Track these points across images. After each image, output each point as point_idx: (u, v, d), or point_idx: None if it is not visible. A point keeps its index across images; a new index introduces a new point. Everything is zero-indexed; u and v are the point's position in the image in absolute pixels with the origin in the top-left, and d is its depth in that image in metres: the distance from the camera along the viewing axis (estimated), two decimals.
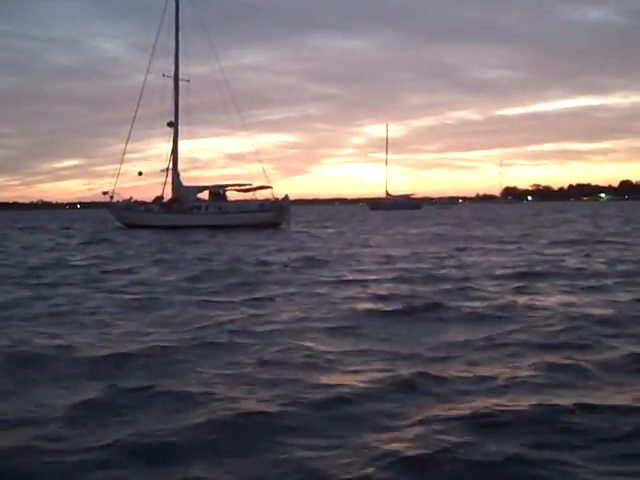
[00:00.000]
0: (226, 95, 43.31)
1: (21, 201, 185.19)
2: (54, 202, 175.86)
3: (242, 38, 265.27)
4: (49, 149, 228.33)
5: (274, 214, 38.67)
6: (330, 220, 56.50)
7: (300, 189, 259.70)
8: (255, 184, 41.00)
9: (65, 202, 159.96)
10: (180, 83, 42.50)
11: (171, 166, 41.92)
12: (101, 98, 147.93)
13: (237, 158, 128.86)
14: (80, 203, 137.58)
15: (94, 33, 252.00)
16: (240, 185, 41.64)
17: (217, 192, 41.45)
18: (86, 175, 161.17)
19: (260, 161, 43.28)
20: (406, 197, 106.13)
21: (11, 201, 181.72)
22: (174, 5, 42.31)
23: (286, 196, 40.14)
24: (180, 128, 42.29)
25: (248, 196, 41.57)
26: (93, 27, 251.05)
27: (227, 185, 41.91)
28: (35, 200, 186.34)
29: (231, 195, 42.24)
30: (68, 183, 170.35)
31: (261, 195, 40.96)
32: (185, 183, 42.29)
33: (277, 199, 39.93)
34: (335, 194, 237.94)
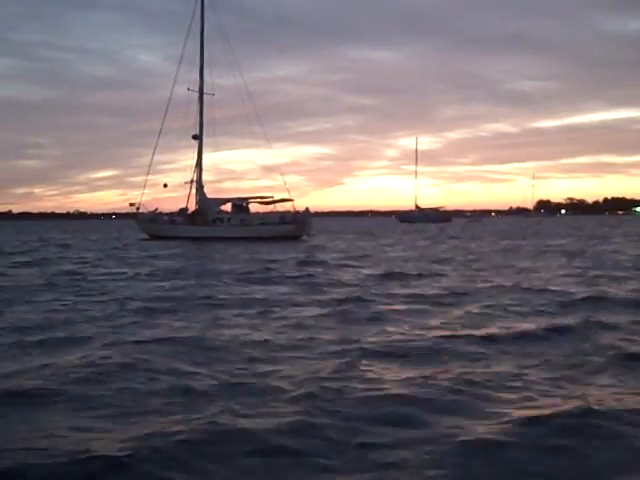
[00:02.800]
0: (249, 108, 43.89)
1: (58, 211, 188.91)
2: (89, 212, 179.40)
3: (278, 50, 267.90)
4: (85, 160, 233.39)
5: (295, 226, 39.28)
6: (356, 233, 56.68)
7: (333, 201, 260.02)
8: (283, 196, 41.58)
9: (100, 212, 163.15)
10: (205, 97, 43.38)
11: (195, 178, 42.72)
12: (136, 109, 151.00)
13: (271, 170, 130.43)
14: (115, 213, 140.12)
15: (130, 44, 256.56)
16: (262, 198, 42.34)
17: (240, 204, 42.21)
18: (121, 185, 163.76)
19: (282, 174, 44.02)
20: (435, 210, 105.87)
21: (49, 211, 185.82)
22: (199, 16, 43.31)
23: (307, 209, 40.83)
24: (206, 140, 43.10)
25: (270, 208, 42.28)
26: (129, 38, 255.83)
27: (249, 198, 42.69)
28: (72, 210, 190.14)
29: (255, 207, 43.07)
30: (104, 193, 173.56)
31: (282, 207, 41.64)
32: (219, 194, 43.35)
33: (298, 212, 40.52)
34: (368, 206, 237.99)
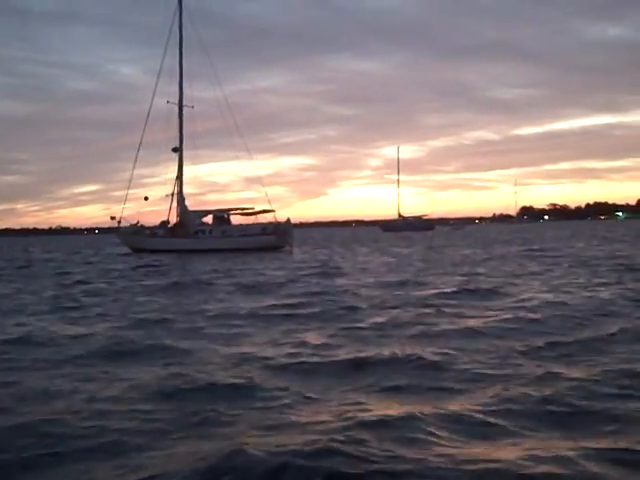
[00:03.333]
0: (229, 120, 44.01)
1: (40, 227, 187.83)
2: (72, 227, 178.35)
3: (259, 61, 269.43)
4: (68, 174, 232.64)
5: (276, 237, 39.30)
6: (336, 243, 56.81)
7: (317, 211, 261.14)
8: (273, 207, 41.78)
9: (84, 227, 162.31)
10: (185, 109, 43.46)
11: (176, 191, 42.71)
12: (119, 122, 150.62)
13: (253, 181, 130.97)
14: (98, 228, 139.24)
15: (112, 58, 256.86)
16: (243, 209, 42.44)
17: (221, 216, 42.22)
18: (105, 200, 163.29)
19: (263, 185, 44.45)
20: (418, 218, 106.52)
21: (31, 227, 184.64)
22: (177, 29, 43.42)
23: (288, 219, 40.85)
24: (187, 153, 43.22)
25: (252, 220, 42.33)
26: (111, 52, 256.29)
27: (230, 209, 42.69)
28: (54, 226, 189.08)
29: (237, 219, 43.14)
30: (87, 208, 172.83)
31: (264, 218, 41.70)
32: (202, 206, 43.46)
33: (279, 222, 40.58)
34: (352, 216, 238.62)
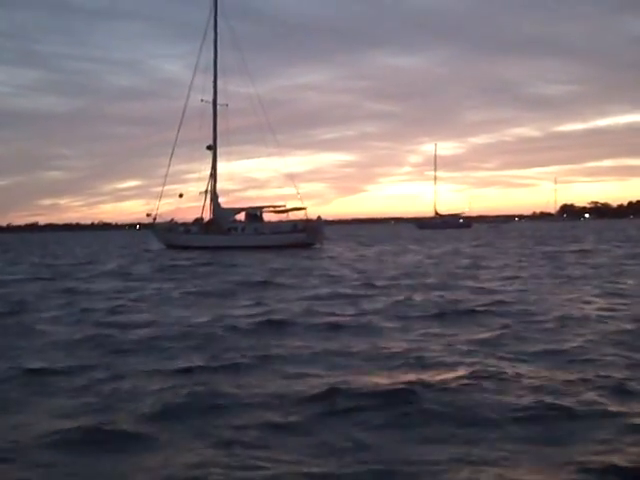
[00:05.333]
0: (262, 117, 44.29)
1: (83, 222, 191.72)
2: (114, 223, 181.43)
3: (298, 57, 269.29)
4: (111, 170, 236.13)
5: (307, 235, 39.73)
6: (372, 240, 56.90)
7: (356, 208, 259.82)
8: (312, 203, 42.47)
9: (125, 223, 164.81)
10: (221, 106, 44.07)
11: (210, 188, 43.36)
12: (161, 118, 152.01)
13: (292, 178, 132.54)
14: (139, 224, 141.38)
15: (155, 54, 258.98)
16: (275, 207, 42.95)
17: (254, 214, 42.75)
18: (146, 195, 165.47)
19: (295, 182, 44.60)
20: (455, 216, 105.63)
21: (74, 222, 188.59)
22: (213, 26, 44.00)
23: (319, 217, 41.31)
24: (226, 149, 43.99)
25: (284, 217, 42.74)
26: (154, 48, 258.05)
27: (263, 207, 43.26)
28: (96, 221, 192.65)
29: (270, 217, 43.62)
30: (128, 204, 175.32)
31: (295, 216, 42.11)
32: (242, 203, 44.34)
33: (310, 220, 40.94)
34: (391, 213, 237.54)
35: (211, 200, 43.26)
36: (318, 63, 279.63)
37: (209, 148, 43.78)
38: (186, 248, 39.57)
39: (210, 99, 43.94)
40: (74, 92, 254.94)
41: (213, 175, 43.67)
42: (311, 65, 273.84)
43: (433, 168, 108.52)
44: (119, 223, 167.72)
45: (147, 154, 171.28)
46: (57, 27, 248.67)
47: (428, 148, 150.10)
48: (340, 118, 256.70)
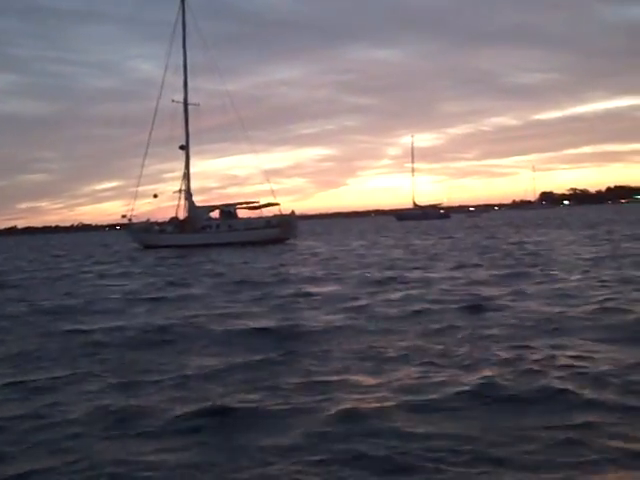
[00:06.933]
0: (232, 115, 44.76)
1: (62, 224, 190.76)
2: (93, 224, 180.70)
3: (276, 53, 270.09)
4: (89, 172, 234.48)
5: (281, 230, 40.21)
6: (345, 233, 57.58)
7: (338, 201, 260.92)
8: (290, 199, 43.05)
9: (104, 224, 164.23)
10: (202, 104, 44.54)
11: (184, 187, 43.74)
12: (139, 119, 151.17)
13: (274, 174, 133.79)
14: (119, 224, 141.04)
15: (130, 54, 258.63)
16: (248, 203, 43.43)
17: (228, 211, 43.19)
18: (125, 196, 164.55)
19: (268, 180, 45.27)
20: (434, 207, 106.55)
21: (53, 224, 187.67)
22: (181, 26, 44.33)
23: (292, 212, 41.84)
24: (198, 148, 44.57)
25: (258, 213, 43.19)
26: (130, 49, 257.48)
27: (237, 204, 43.75)
28: (76, 223, 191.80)
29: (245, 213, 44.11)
30: (107, 205, 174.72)
31: (270, 212, 42.56)
32: (219, 201, 45.03)
33: (284, 215, 41.44)
34: (372, 206, 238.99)
35: (185, 199, 43.71)
36: (296, 58, 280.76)
37: (182, 148, 44.15)
38: (162, 247, 39.90)
39: (182, 99, 44.39)
40: (51, 95, 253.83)
41: (187, 174, 44.08)
42: (289, 60, 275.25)
43: (412, 160, 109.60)
44: (99, 224, 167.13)
45: (125, 155, 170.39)
46: (32, 30, 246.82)
47: (407, 140, 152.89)
48: (319, 112, 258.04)
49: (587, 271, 14.59)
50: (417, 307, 10.49)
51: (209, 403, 5.54)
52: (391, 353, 7.25)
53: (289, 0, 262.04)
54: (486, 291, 12.08)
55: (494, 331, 8.19)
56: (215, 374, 6.68)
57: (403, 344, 7.67)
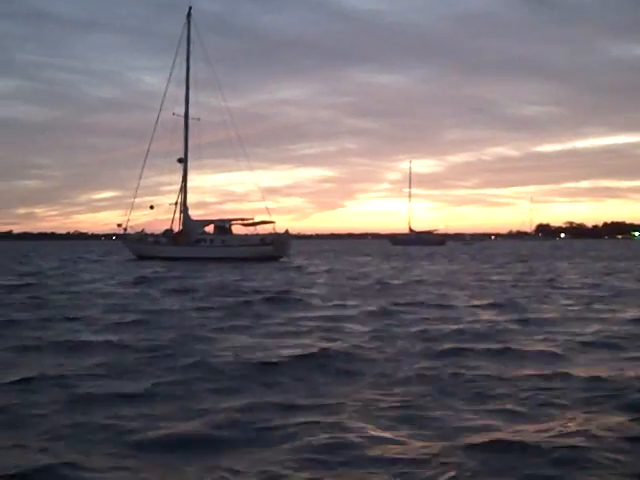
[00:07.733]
0: (232, 132, 45.15)
1: (58, 231, 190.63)
2: (89, 233, 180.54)
3: (279, 73, 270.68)
4: (87, 180, 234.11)
5: (274, 248, 40.43)
6: (339, 255, 57.70)
7: (335, 223, 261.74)
8: (288, 218, 43.40)
9: (101, 233, 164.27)
10: (191, 121, 44.90)
11: (180, 200, 44.04)
12: (139, 130, 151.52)
13: (273, 192, 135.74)
14: (116, 234, 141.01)
15: (134, 66, 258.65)
16: (243, 219, 43.60)
17: (222, 226, 43.46)
18: (122, 206, 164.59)
19: (264, 198, 45.59)
20: (429, 233, 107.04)
21: (49, 231, 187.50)
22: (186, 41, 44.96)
23: (286, 231, 42.09)
24: (198, 163, 45.13)
25: (254, 230, 43.41)
26: (134, 60, 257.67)
27: (232, 219, 43.98)
28: (72, 231, 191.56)
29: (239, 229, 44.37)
30: (104, 214, 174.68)
31: (263, 229, 42.81)
32: (216, 216, 45.33)
33: (278, 233, 41.66)
34: (369, 228, 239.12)
35: (181, 212, 43.97)
36: (300, 79, 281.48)
37: (180, 161, 44.55)
38: (155, 259, 40.03)
39: (183, 112, 44.86)
40: (52, 102, 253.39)
41: (183, 188, 44.41)
42: (292, 80, 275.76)
43: (409, 185, 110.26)
44: (95, 233, 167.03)
45: (124, 165, 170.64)
46: (36, 36, 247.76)
47: (407, 165, 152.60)
48: (320, 133, 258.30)
49: None
50: None
51: None
52: None
53: (296, 21, 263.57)
54: None
55: None
56: None
57: None
